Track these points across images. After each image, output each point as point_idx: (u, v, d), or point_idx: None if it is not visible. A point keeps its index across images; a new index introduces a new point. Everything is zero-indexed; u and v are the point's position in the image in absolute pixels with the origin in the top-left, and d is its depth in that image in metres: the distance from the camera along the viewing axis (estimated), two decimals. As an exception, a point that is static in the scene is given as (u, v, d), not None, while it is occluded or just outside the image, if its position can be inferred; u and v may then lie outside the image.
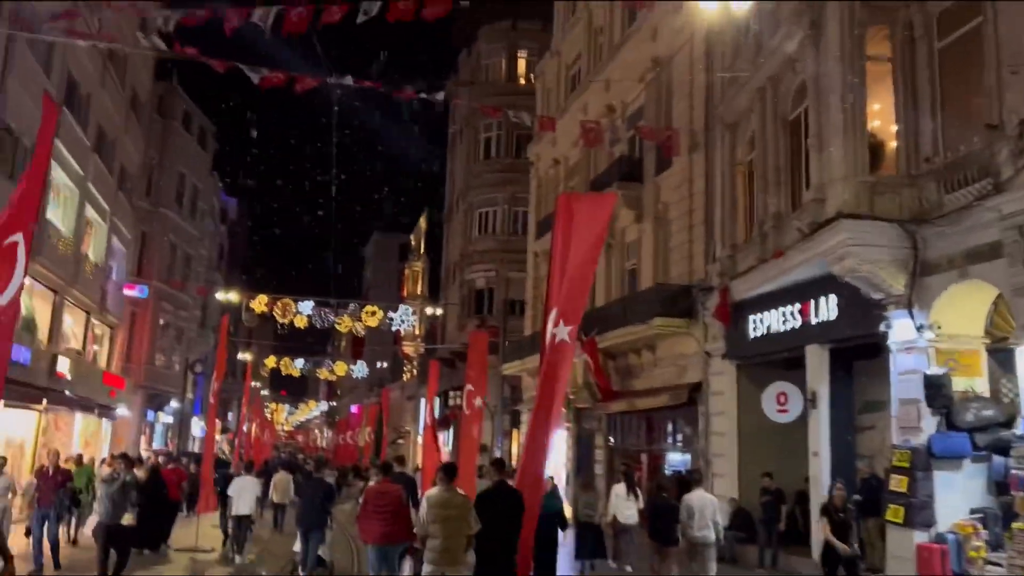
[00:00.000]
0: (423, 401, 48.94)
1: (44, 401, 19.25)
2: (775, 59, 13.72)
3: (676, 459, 18.69)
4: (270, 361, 46.14)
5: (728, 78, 15.84)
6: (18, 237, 5.86)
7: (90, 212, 23.63)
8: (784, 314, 13.82)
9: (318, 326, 27.74)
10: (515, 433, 31.77)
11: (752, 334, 14.91)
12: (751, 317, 14.87)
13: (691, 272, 17.48)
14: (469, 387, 15.23)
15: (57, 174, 20.06)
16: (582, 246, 7.34)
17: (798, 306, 13.44)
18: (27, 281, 19.75)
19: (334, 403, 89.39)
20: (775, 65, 13.81)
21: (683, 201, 18.05)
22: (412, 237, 60.61)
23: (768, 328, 14.38)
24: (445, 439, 39.13)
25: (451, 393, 35.98)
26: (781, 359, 14.32)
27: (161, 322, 35.06)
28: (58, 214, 20.78)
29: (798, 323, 13.47)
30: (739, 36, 15.89)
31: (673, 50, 19.03)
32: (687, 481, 12.40)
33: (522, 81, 35.75)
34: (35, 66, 17.31)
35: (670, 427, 18.90)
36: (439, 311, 32.34)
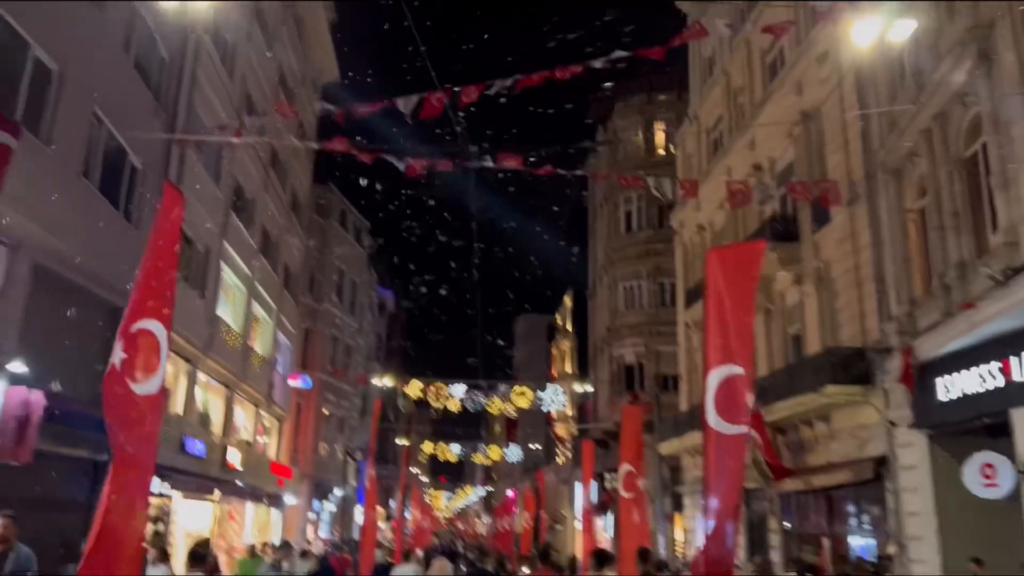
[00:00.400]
0: (578, 484, 47.75)
1: (218, 492, 20.14)
2: (940, 95, 12.61)
3: (862, 543, 16.78)
4: (427, 447, 46.89)
5: (887, 122, 14.74)
6: (151, 324, 5.91)
7: (257, 309, 25.13)
8: (981, 374, 12.21)
9: (470, 409, 27.79)
10: (677, 518, 30.01)
11: (943, 399, 13.27)
12: (940, 379, 13.28)
13: (863, 333, 16.03)
14: (626, 467, 14.47)
15: (226, 274, 21.52)
16: (736, 300, 6.73)
17: (997, 364, 11.83)
18: (203, 377, 21.08)
19: (491, 488, 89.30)
20: (941, 101, 12.68)
21: (847, 257, 16.76)
22: (558, 316, 60.66)
23: (962, 391, 12.74)
24: (604, 524, 37.73)
25: (607, 475, 34.77)
26: (982, 425, 12.60)
27: (325, 412, 36.50)
28: (228, 312, 22.19)
29: (1000, 383, 11.84)
30: (893, 76, 14.84)
31: (821, 100, 18.11)
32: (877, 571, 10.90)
33: (660, 152, 35.52)
34: (205, 175, 18.81)
35: (853, 507, 17.07)
36: (589, 388, 31.56)
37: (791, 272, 19.33)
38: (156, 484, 16.15)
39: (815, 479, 17.65)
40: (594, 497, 41.66)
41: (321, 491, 36.88)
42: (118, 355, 6.05)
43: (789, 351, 20.38)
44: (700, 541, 7.07)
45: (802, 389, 17.05)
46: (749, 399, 6.66)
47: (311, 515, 35.67)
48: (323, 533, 37.36)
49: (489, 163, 14.68)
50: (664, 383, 29.63)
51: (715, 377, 6.80)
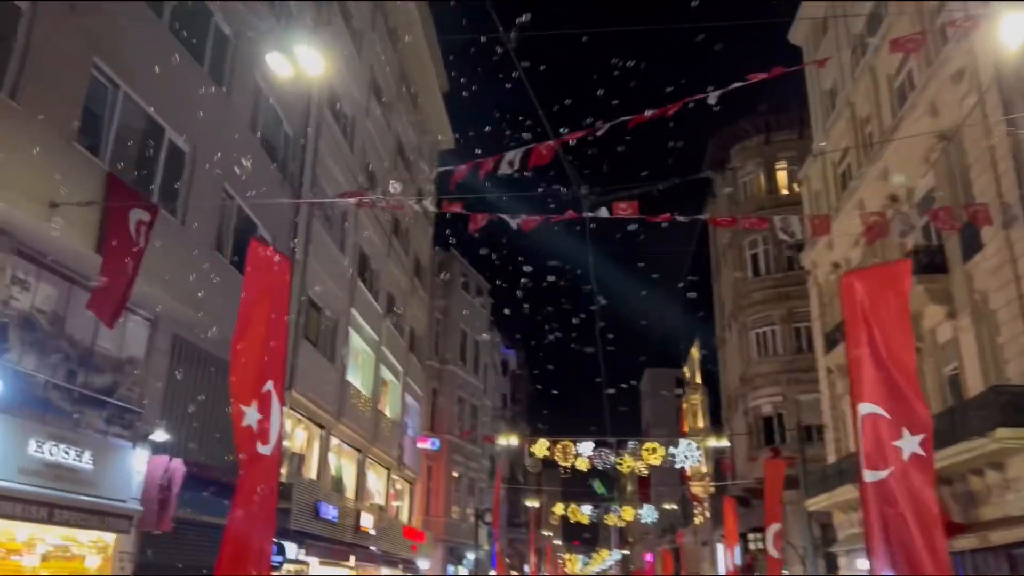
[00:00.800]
0: (719, 546, 45.23)
1: (352, 558, 20.21)
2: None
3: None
4: (558, 508, 45.88)
5: (1042, 134, 13.41)
6: (272, 386, 5.89)
7: (385, 373, 25.56)
8: None
9: (599, 468, 26.94)
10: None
11: None
12: None
13: (1035, 369, 14.37)
14: (776, 526, 13.45)
15: (355, 340, 22.03)
16: (888, 327, 5.98)
17: None
18: (335, 441, 21.45)
19: (626, 551, 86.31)
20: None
21: (1007, 286, 15.20)
22: (685, 368, 58.84)
23: None
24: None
25: (750, 535, 32.70)
26: None
27: (455, 474, 36.49)
28: (357, 377, 22.64)
29: None
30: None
31: (959, 119, 16.79)
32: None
33: (784, 192, 34.25)
34: (331, 245, 19.45)
35: (1042, 567, 15.06)
36: (725, 443, 30.03)
37: (943, 306, 17.76)
38: (292, 550, 16.35)
39: (992, 535, 15.74)
40: (738, 559, 39.31)
41: (455, 556, 36.59)
42: (254, 416, 6.03)
43: (946, 393, 18.60)
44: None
45: (967, 434, 15.38)
46: (910, 441, 5.89)
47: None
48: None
49: (604, 213, 14.37)
50: (807, 434, 27.74)
51: (863, 416, 6.08)
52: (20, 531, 10.34)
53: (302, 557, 17.12)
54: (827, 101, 26.94)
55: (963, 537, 16.72)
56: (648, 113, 9.34)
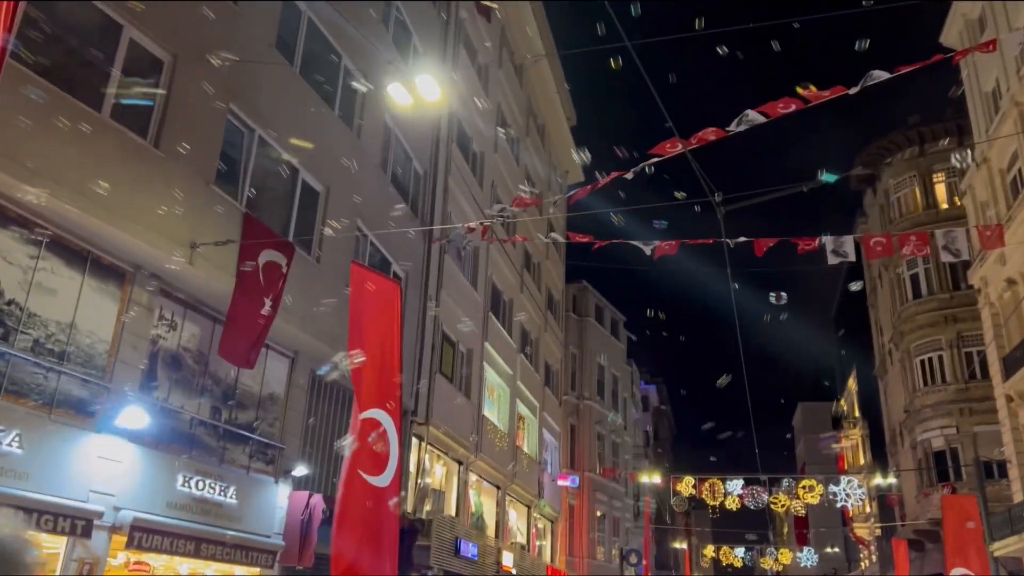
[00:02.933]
0: (891, 593, 41.47)
1: (493, 597, 19.83)
2: None
3: None
4: (708, 551, 43.66)
5: None
6: (377, 414, 5.60)
7: (521, 408, 25.30)
8: None
9: (751, 507, 25.26)
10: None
11: None
12: None
13: None
14: (961, 571, 11.96)
15: (489, 375, 21.92)
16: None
17: None
18: (473, 478, 21.29)
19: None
20: None
21: None
22: (843, 401, 55.11)
23: None
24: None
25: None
26: None
27: (598, 513, 35.53)
28: (493, 412, 22.48)
29: None
30: None
31: None
32: None
33: (944, 206, 31.55)
34: (463, 279, 19.51)
35: None
36: (892, 480, 27.53)
37: None
38: (433, 588, 16.14)
39: None
40: (913, 609, 35.78)
41: (601, 598, 35.46)
42: (349, 447, 5.82)
43: None
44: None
45: None
46: None
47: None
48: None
49: (743, 239, 13.54)
50: (987, 470, 24.90)
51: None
52: (179, 565, 10.67)
53: (443, 596, 16.90)
54: (989, 104, 24.64)
55: None
56: (781, 108, 8.59)
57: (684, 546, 45.13)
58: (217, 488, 10.33)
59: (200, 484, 10.00)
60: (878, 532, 43.60)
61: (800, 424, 73.49)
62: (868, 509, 44.35)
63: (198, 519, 9.87)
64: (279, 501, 11.60)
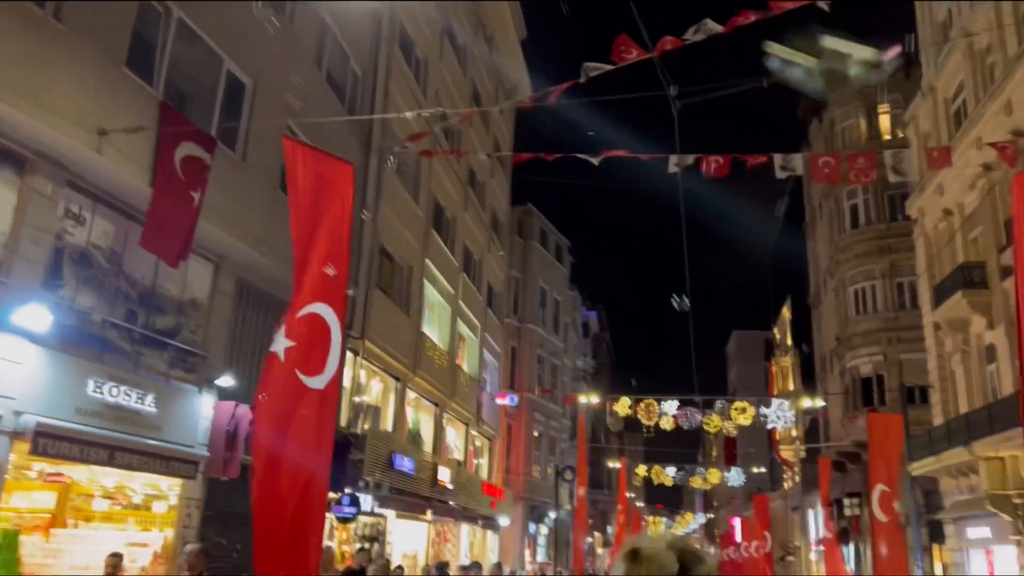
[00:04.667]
0: (811, 512, 43.50)
1: (429, 512, 19.89)
2: None
3: None
4: (640, 470, 44.94)
5: None
6: (321, 309, 5.12)
7: (462, 328, 25.03)
8: None
9: (685, 427, 25.78)
10: (936, 550, 25.88)
11: None
12: None
13: None
14: (881, 487, 12.25)
15: (430, 292, 21.49)
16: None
17: None
18: (412, 395, 21.09)
19: (711, 515, 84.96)
20: None
21: None
22: (776, 330, 56.56)
23: None
24: (845, 555, 33.77)
25: (845, 501, 31.02)
26: None
27: (535, 434, 36.02)
28: (434, 331, 22.15)
29: None
30: None
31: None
32: None
33: (887, 137, 31.80)
34: (403, 192, 18.82)
35: None
36: (820, 402, 28.36)
37: (984, 317, 16.26)
38: (367, 502, 16.02)
39: None
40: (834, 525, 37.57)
41: (535, 514, 36.30)
42: (281, 343, 5.35)
43: (987, 389, 16.85)
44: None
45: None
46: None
47: (527, 539, 35.14)
48: (540, 557, 36.69)
49: (691, 157, 13.24)
50: (910, 395, 25.79)
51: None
52: (102, 478, 10.17)
53: (378, 510, 16.82)
54: (939, 34, 24.53)
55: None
56: (741, 20, 8.13)
57: (618, 465, 46.31)
58: (133, 395, 9.77)
59: (114, 391, 9.42)
60: (803, 454, 45.43)
61: (734, 352, 75.56)
62: (794, 432, 46.09)
63: (112, 427, 9.32)
64: (203, 411, 11.11)
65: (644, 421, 25.78)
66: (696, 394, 26.12)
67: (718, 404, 26.33)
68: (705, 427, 25.41)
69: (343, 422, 15.62)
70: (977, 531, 20.77)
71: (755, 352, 69.00)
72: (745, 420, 25.07)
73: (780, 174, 13.72)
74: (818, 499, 40.72)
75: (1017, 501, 18.27)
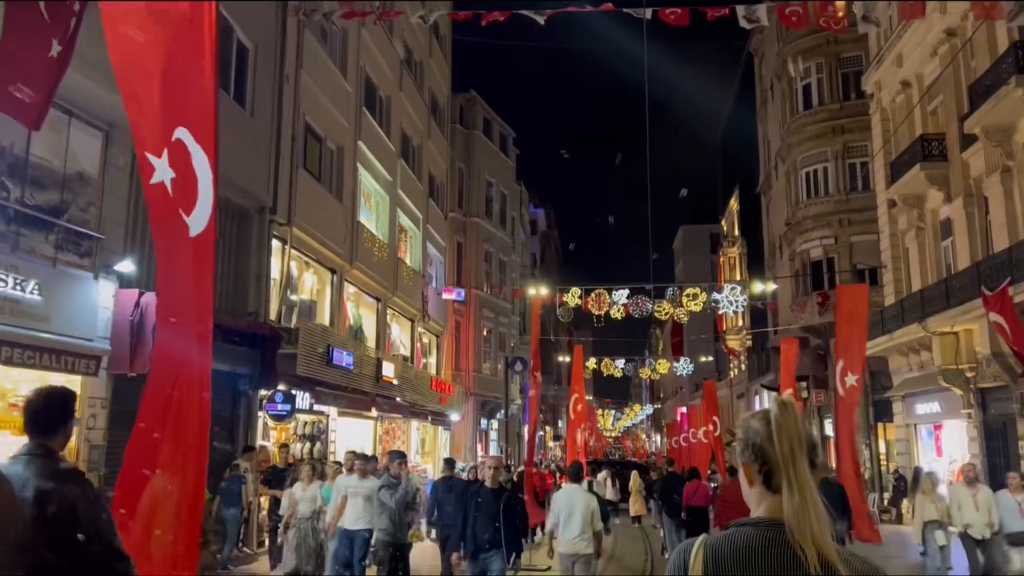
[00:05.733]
0: (757, 398, 44.44)
1: (374, 409, 19.05)
2: None
3: None
4: (590, 363, 45.04)
5: None
6: (183, 134, 3.82)
7: (403, 219, 23.67)
8: None
9: (636, 316, 25.25)
10: (881, 428, 26.36)
11: None
12: None
13: None
14: (842, 362, 11.73)
15: (365, 179, 19.98)
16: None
17: None
18: (351, 289, 19.86)
19: (658, 406, 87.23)
20: None
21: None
22: (723, 223, 56.42)
23: None
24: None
25: (797, 384, 31.30)
26: None
27: (484, 332, 35.34)
28: (371, 221, 20.76)
29: None
30: None
31: None
32: None
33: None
34: (329, 64, 17.03)
35: None
36: (772, 285, 28.06)
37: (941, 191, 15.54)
38: (305, 399, 15.01)
39: None
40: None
41: (486, 410, 36.08)
42: (165, 172, 4.05)
43: (942, 264, 16.33)
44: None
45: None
46: None
47: (479, 435, 35.01)
48: (492, 451, 36.72)
49: (647, 16, 11.92)
50: (860, 277, 25.60)
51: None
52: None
53: (317, 407, 15.84)
54: None
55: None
56: None
57: (568, 359, 46.34)
58: (11, 281, 8.36)
59: (-17, 275, 7.99)
60: (748, 343, 46.05)
61: (680, 247, 75.74)
62: (740, 322, 46.53)
63: (-16, 316, 7.95)
64: (101, 300, 9.74)
65: (595, 311, 25.15)
66: (648, 282, 25.47)
67: (669, 292, 25.78)
68: (656, 314, 24.88)
69: (272, 315, 14.40)
70: (926, 407, 20.92)
71: (701, 246, 69.27)
72: (696, 307, 24.61)
73: (744, 24, 12.47)
74: (761, 385, 41.63)
75: (969, 375, 18.23)
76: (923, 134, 20.26)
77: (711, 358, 51.63)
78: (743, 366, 47.72)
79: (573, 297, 25.08)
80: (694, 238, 71.93)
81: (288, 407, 13.55)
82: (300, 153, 15.20)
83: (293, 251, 15.59)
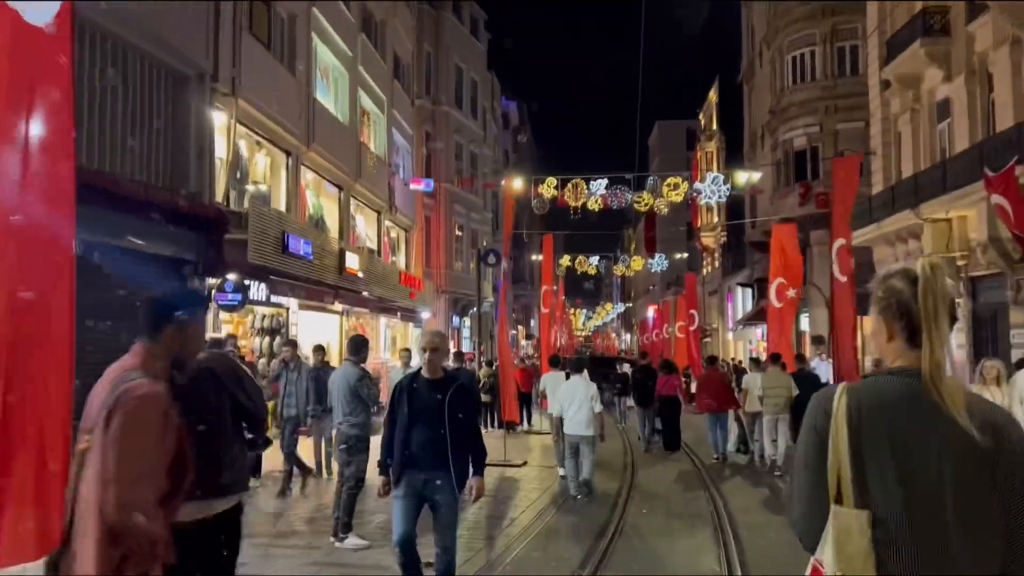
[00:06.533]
0: (731, 296, 44.15)
1: (340, 303, 17.97)
2: None
3: None
4: (564, 260, 44.20)
5: None
6: None
7: (365, 101, 21.98)
8: None
9: (614, 207, 24.12)
10: (858, 320, 25.85)
11: None
12: None
13: None
14: (842, 241, 10.91)
15: (321, 51, 18.23)
16: None
17: None
18: (310, 176, 18.41)
19: (629, 304, 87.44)
20: None
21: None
22: (701, 116, 54.80)
23: None
24: (763, 334, 34.33)
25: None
26: None
27: (457, 230, 34.10)
28: (330, 100, 19.11)
29: None
30: None
31: None
32: None
33: None
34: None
35: None
36: (756, 175, 26.96)
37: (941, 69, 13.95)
38: (260, 290, 13.87)
39: None
40: (749, 306, 38.08)
41: (459, 307, 35.25)
42: None
43: (936, 148, 15.21)
44: None
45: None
46: None
47: (452, 332, 34.29)
48: (465, 348, 36.13)
49: None
50: (847, 166, 24.49)
51: None
52: None
53: (276, 299, 14.71)
54: None
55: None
56: None
57: (539, 257, 45.47)
58: None
59: None
60: (723, 240, 45.40)
61: (656, 143, 74.12)
62: (716, 219, 45.74)
63: None
64: None
65: (571, 202, 23.97)
66: (635, 171, 24.28)
67: (649, 181, 24.60)
68: (636, 205, 23.77)
69: (219, 197, 13.04)
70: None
71: (677, 142, 67.69)
72: (677, 197, 23.51)
73: None
74: (737, 283, 41.20)
75: (960, 263, 17.53)
76: (925, 7, 18.83)
77: (685, 255, 50.98)
78: (717, 263, 47.25)
79: (549, 188, 23.83)
80: (670, 134, 70.23)
81: (239, 297, 12.41)
82: (244, 15, 13.48)
83: (241, 128, 14.09)
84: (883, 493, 1.63)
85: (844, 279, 11.15)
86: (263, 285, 13.75)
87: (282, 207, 15.93)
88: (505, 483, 10.63)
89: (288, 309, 15.99)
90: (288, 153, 16.31)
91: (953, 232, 17.39)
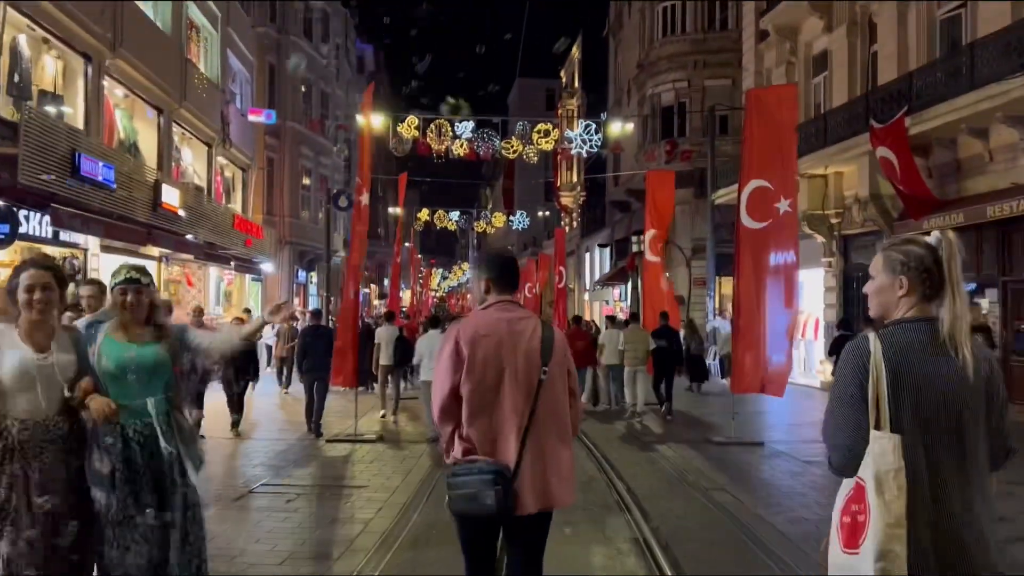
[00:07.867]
0: (588, 255, 43.66)
1: (152, 245, 15.03)
2: None
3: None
4: (423, 215, 42.00)
5: None
6: None
7: (194, 12, 18.74)
8: None
9: (480, 153, 22.21)
10: (718, 281, 25.63)
11: None
12: None
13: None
14: (759, 183, 9.52)
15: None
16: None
17: None
18: (120, 92, 15.25)
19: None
20: None
21: None
22: (563, 73, 53.68)
23: None
24: (621, 294, 33.88)
25: (633, 239, 30.10)
26: None
27: (305, 181, 31.02)
28: (146, 3, 15.86)
29: None
30: None
31: None
32: None
33: None
34: None
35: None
36: (629, 126, 25.82)
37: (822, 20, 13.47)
38: (41, 223, 10.93)
39: (975, 212, 12.58)
40: (607, 267, 37.57)
41: (306, 261, 32.28)
42: None
43: (940, 38, 14.53)
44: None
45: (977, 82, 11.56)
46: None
47: (297, 288, 31.36)
48: (312, 304, 33.28)
49: None
50: (715, 120, 23.87)
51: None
52: None
53: (65, 235, 11.77)
54: None
55: (938, 216, 13.60)
56: None
57: (398, 210, 43.00)
58: None
59: None
60: (583, 200, 44.73)
61: (515, 102, 72.63)
62: (575, 179, 44.95)
63: None
64: None
65: (434, 146, 21.85)
66: (516, 117, 22.42)
67: (519, 126, 22.86)
68: (504, 152, 22.00)
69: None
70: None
71: (537, 102, 66.45)
72: (547, 145, 21.97)
73: None
74: (598, 244, 40.67)
75: (834, 221, 17.07)
76: (808, -47, 18.05)
77: (547, 213, 49.99)
78: (575, 223, 46.59)
79: (410, 128, 21.56)
80: (530, 92, 68.86)
81: (6, 227, 9.53)
82: None
83: (18, 16, 10.94)
84: (913, 417, 1.98)
85: (758, 225, 9.95)
86: (42, 215, 10.82)
87: (79, 122, 12.83)
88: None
89: (86, 251, 13.02)
90: (88, 57, 13.16)
91: (829, 189, 16.87)
